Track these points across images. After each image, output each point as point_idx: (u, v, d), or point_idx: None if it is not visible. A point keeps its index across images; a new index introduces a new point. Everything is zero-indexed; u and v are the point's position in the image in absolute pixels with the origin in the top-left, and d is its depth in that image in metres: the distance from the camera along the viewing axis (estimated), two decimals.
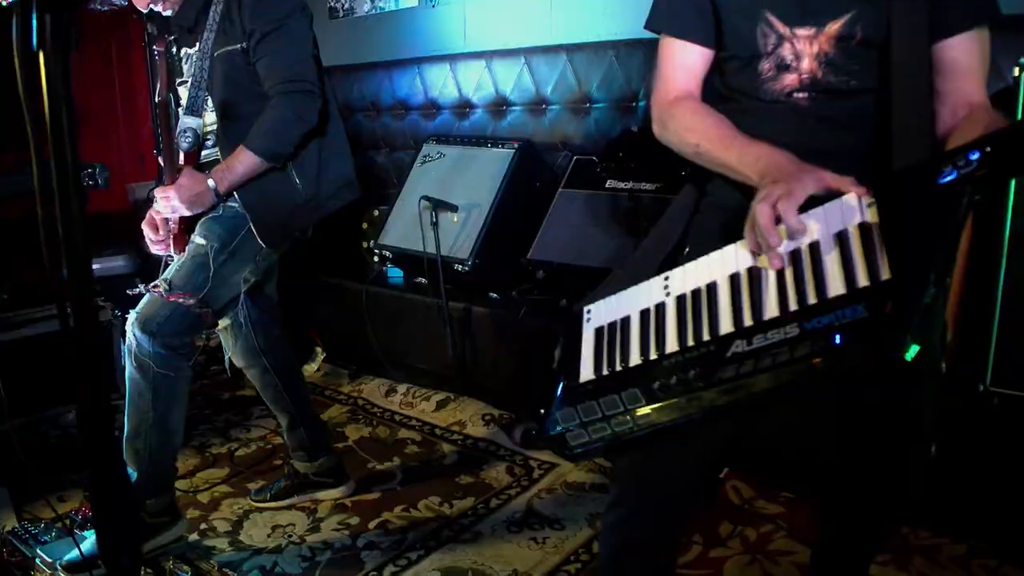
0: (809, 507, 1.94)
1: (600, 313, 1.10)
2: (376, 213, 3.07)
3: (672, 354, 0.96)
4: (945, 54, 1.12)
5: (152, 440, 1.70)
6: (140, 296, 1.71)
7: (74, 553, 1.69)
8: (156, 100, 1.82)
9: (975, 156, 0.84)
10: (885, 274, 0.85)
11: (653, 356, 0.97)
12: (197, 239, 1.75)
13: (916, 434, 1.19)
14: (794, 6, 1.15)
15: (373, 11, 3.47)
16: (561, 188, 2.51)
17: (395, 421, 2.64)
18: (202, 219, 1.78)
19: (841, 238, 0.91)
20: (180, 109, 1.81)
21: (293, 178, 1.82)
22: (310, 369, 3.05)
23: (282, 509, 2.10)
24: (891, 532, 1.62)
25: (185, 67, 1.86)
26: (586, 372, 1.02)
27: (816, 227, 0.95)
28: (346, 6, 3.58)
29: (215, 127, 1.82)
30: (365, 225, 3.11)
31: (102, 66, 4.19)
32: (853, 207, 0.93)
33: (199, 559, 1.84)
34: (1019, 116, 1.57)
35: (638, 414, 0.93)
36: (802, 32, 1.15)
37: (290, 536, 1.98)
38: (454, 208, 2.54)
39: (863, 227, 0.91)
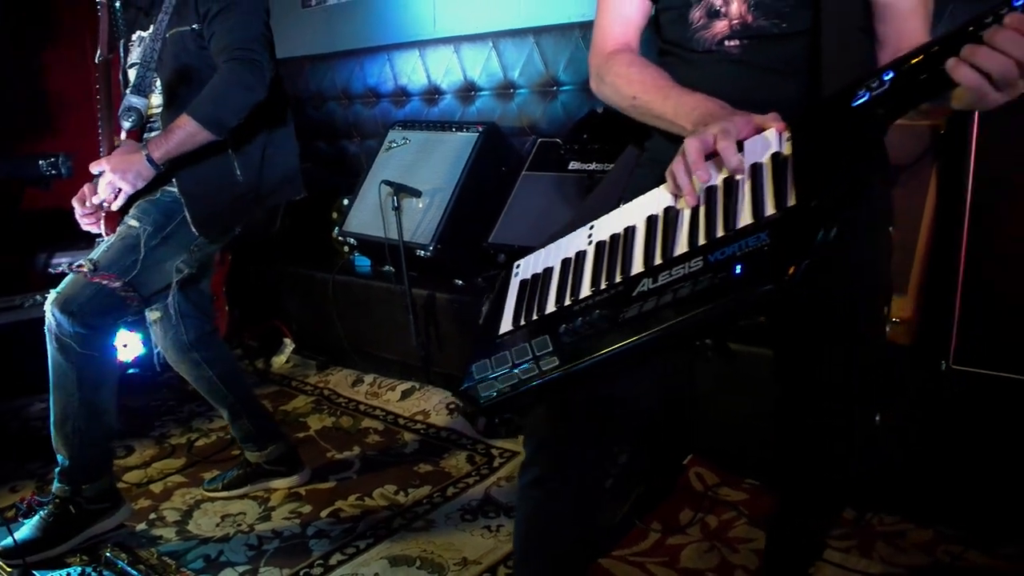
0: (772, 494, 1.88)
1: (528, 266, 1.08)
2: (345, 202, 3.01)
3: (585, 299, 0.93)
4: None
5: (80, 423, 1.65)
6: (63, 275, 1.65)
7: (8, 540, 1.64)
8: (96, 61, 1.78)
9: (888, 76, 0.81)
10: (792, 201, 0.81)
11: (568, 303, 0.95)
12: (130, 220, 1.70)
13: (853, 401, 1.14)
14: None
15: None
16: (524, 171, 2.46)
17: (359, 411, 2.59)
18: (138, 200, 1.74)
19: (755, 170, 0.89)
20: (128, 90, 1.77)
21: (234, 168, 1.77)
22: (279, 361, 3.01)
23: (234, 498, 2.05)
24: (839, 510, 1.56)
25: (138, 49, 1.82)
26: (506, 324, 1.00)
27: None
28: None
29: (160, 110, 1.77)
30: (335, 214, 3.06)
31: (79, 58, 4.17)
32: (770, 140, 0.91)
33: (140, 548, 1.80)
34: None
35: (545, 361, 0.89)
36: None
37: (239, 525, 1.93)
38: (417, 193, 2.49)
39: (776, 158, 0.88)
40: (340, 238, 2.74)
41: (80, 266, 1.61)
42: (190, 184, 1.72)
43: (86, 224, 1.77)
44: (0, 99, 3.82)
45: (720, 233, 0.86)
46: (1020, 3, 0.73)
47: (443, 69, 2.98)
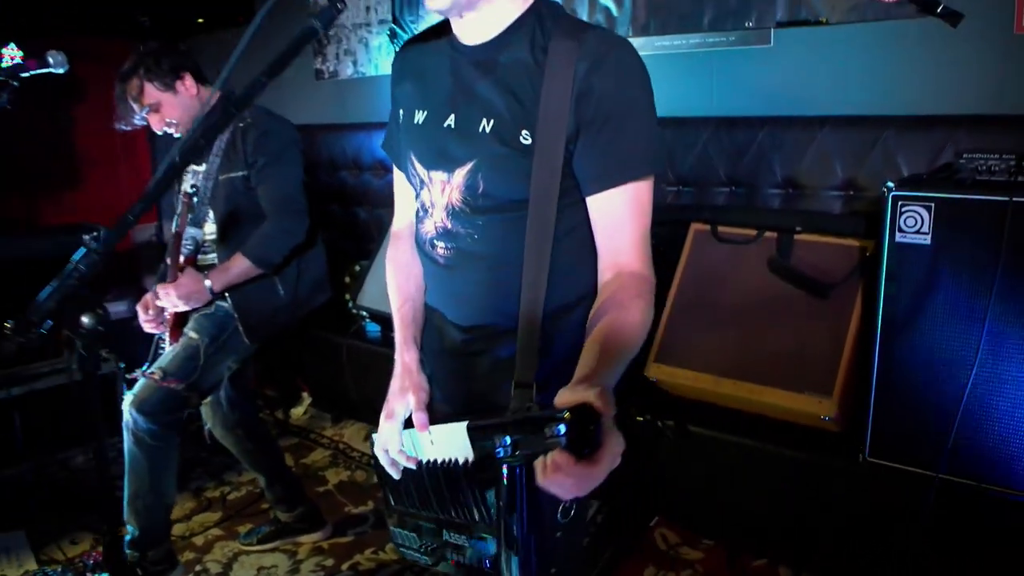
0: (726, 553, 2.23)
1: (379, 448, 1.22)
2: (357, 268, 3.34)
3: (421, 514, 1.17)
4: (592, 209, 1.09)
5: (149, 501, 1.99)
6: (136, 380, 1.99)
7: None
8: (174, 230, 2.10)
9: (507, 442, 0.85)
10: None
11: (412, 510, 1.19)
12: (190, 333, 2.04)
13: None
14: (429, 149, 1.15)
15: (355, 75, 3.75)
16: None
17: (371, 466, 2.92)
18: (195, 315, 2.07)
19: (461, 471, 1.06)
20: (188, 223, 2.10)
21: (276, 285, 2.13)
22: (297, 413, 3.34)
23: (267, 552, 2.39)
24: None
25: (190, 181, 2.15)
26: (391, 498, 1.24)
27: (458, 446, 1.04)
28: (331, 69, 3.86)
29: (214, 237, 2.12)
30: (348, 279, 3.38)
31: (104, 116, 4.46)
32: (459, 439, 1.01)
33: None
34: (886, 236, 1.84)
35: (422, 555, 1.18)
36: (437, 176, 1.14)
37: None
38: None
39: (467, 467, 1.04)
40: (354, 310, 3.07)
41: (152, 373, 1.95)
42: (241, 301, 2.07)
43: (148, 328, 2.10)
44: (30, 155, 4.11)
45: (476, 516, 1.06)
46: (563, 435, 0.77)
47: None
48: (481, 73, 1.11)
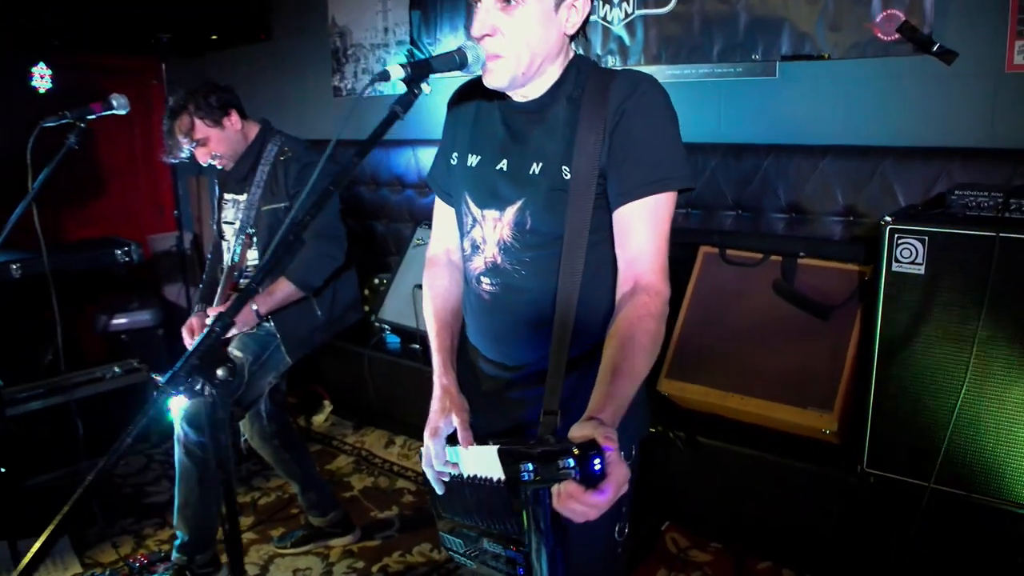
0: (733, 556, 2.38)
1: (426, 464, 1.31)
2: (376, 282, 3.49)
3: (464, 524, 1.27)
4: (616, 221, 1.15)
5: (198, 509, 2.13)
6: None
7: None
8: (230, 262, 2.24)
9: (529, 468, 0.93)
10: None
11: (456, 518, 1.28)
12: (234, 352, 2.18)
13: None
14: (482, 189, 1.23)
15: (373, 93, 3.87)
16: None
17: (393, 472, 3.07)
18: (239, 335, 2.21)
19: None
20: (224, 243, 2.24)
21: (314, 306, 2.26)
22: (319, 420, 3.48)
23: (300, 555, 2.53)
24: None
25: (231, 210, 2.28)
26: (439, 506, 1.33)
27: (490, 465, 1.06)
28: (348, 86, 3.99)
29: (255, 263, 2.25)
30: (367, 292, 3.52)
31: (124, 128, 4.58)
32: (491, 461, 1.04)
33: None
34: (883, 266, 1.99)
35: (467, 558, 1.30)
36: (489, 214, 1.22)
37: None
38: None
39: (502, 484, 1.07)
40: (376, 324, 3.21)
41: None
42: (283, 322, 2.21)
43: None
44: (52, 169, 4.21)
45: (509, 530, 1.15)
46: (573, 467, 0.87)
47: None
48: (531, 124, 1.23)
